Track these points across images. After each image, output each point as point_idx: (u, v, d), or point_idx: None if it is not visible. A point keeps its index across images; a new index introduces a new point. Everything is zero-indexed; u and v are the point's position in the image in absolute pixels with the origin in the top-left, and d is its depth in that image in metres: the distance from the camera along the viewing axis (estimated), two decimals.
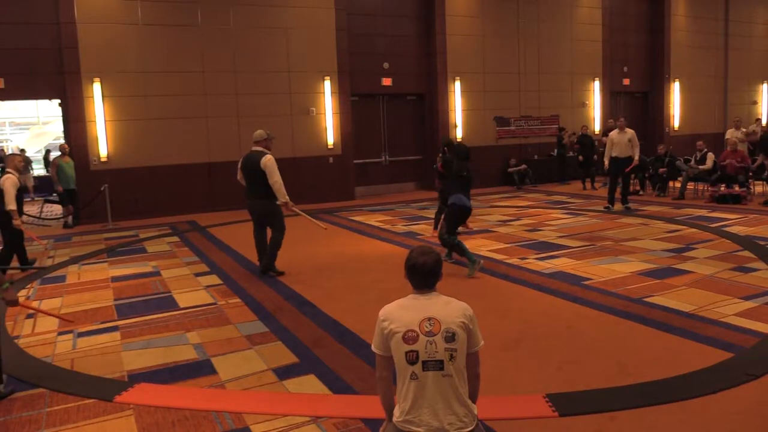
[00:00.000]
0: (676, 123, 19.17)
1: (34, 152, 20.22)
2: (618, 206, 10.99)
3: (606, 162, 11.09)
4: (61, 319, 5.30)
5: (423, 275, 2.41)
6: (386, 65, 14.55)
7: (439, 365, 2.27)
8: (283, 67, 13.13)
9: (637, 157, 10.83)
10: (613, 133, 11.03)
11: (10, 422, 3.59)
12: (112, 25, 11.67)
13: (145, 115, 12.05)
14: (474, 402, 2.41)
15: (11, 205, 7.13)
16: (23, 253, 7.76)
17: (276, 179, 6.74)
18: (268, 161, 6.75)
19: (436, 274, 2.43)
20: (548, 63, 16.54)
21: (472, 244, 8.32)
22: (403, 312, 2.37)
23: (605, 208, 11.02)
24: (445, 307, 2.37)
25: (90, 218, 11.47)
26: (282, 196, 6.81)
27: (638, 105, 19.30)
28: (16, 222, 7.25)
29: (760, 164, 11.74)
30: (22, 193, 7.55)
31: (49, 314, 5.27)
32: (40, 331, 5.27)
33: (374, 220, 11.00)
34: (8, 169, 7.49)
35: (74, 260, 8.27)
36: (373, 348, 2.43)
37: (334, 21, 13.54)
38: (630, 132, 10.86)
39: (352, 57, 13.88)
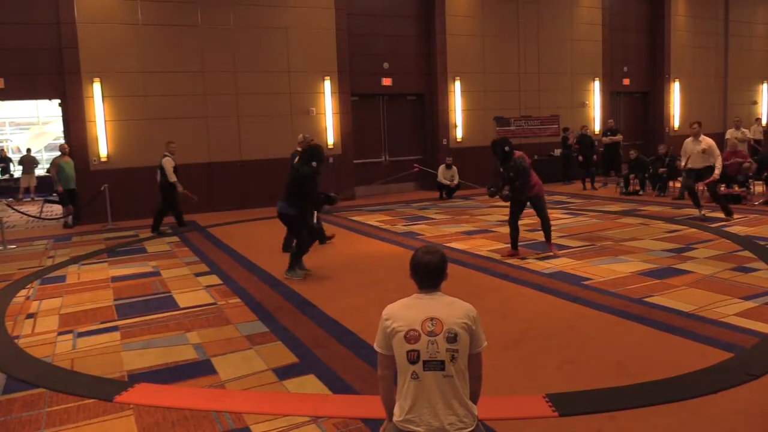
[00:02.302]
0: (676, 123, 19.17)
1: (35, 152, 20.21)
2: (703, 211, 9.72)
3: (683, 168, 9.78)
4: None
5: (428, 274, 2.40)
6: (386, 65, 14.56)
7: (440, 365, 2.27)
8: (283, 67, 13.13)
9: (718, 170, 9.20)
10: (687, 142, 9.62)
11: (10, 422, 3.59)
12: (112, 25, 11.68)
13: (145, 115, 12.05)
14: (475, 403, 2.40)
15: (172, 178, 10.12)
16: (180, 215, 10.60)
17: None
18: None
19: (441, 274, 2.42)
20: (548, 63, 16.54)
21: (472, 244, 8.33)
22: (406, 311, 2.37)
23: (701, 216, 9.57)
24: (449, 308, 2.36)
25: (90, 218, 11.47)
26: None
27: (638, 105, 19.30)
28: (180, 189, 10.21)
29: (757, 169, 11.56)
30: (177, 170, 10.33)
31: None
32: (40, 331, 5.27)
33: (374, 220, 11.00)
34: (166, 153, 10.30)
35: (74, 260, 8.27)
36: (375, 346, 2.43)
37: (334, 21, 13.54)
38: (707, 141, 9.35)
39: (352, 57, 13.88)
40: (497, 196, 7.44)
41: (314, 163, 6.64)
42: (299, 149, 8.49)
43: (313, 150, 6.81)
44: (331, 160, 13.80)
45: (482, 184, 13.55)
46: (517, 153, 7.14)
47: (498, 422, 3.33)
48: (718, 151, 9.41)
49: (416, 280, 2.44)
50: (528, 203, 7.37)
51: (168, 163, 10.14)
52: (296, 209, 6.70)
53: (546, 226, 7.41)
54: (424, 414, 2.28)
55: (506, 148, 7.07)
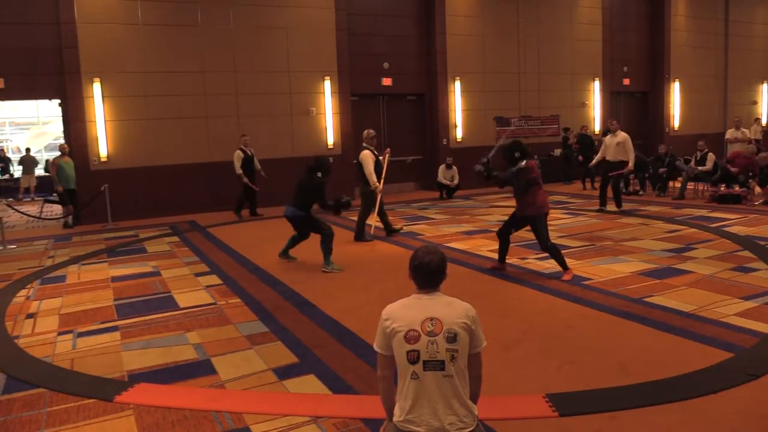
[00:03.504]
0: (676, 123, 19.17)
1: (35, 152, 20.21)
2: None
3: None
4: None
5: (428, 274, 2.40)
6: (386, 65, 14.55)
7: (440, 365, 2.27)
8: (283, 67, 13.12)
9: (631, 163, 10.49)
10: (606, 138, 10.99)
11: (10, 422, 3.59)
12: (112, 25, 11.67)
13: (145, 115, 12.04)
14: (475, 403, 2.41)
15: (237, 171, 11.27)
16: (242, 204, 11.61)
17: (367, 170, 8.61)
18: (362, 155, 8.73)
19: (441, 274, 2.43)
20: (548, 63, 16.54)
21: (472, 244, 8.33)
22: (406, 311, 2.37)
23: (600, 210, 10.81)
24: (448, 308, 2.36)
25: (90, 218, 11.47)
26: (372, 183, 8.62)
27: (638, 105, 19.30)
28: (244, 180, 11.35)
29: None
30: (250, 162, 11.49)
31: None
32: (40, 331, 5.27)
33: (374, 220, 10.98)
34: (241, 147, 11.47)
35: (74, 260, 8.27)
36: (374, 346, 2.43)
37: (334, 21, 13.54)
38: (623, 135, 10.57)
39: (352, 57, 13.87)
40: (484, 173, 6.64)
41: (319, 174, 7.19)
42: (365, 144, 8.87)
43: (319, 162, 7.33)
44: (330, 160, 13.81)
45: (481, 184, 13.53)
46: (529, 162, 6.30)
47: (498, 422, 3.33)
48: (631, 146, 10.50)
49: (416, 281, 2.44)
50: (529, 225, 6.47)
51: (236, 156, 11.34)
52: (304, 210, 7.22)
53: (554, 254, 6.35)
54: (424, 414, 2.28)
55: (516, 154, 6.31)
